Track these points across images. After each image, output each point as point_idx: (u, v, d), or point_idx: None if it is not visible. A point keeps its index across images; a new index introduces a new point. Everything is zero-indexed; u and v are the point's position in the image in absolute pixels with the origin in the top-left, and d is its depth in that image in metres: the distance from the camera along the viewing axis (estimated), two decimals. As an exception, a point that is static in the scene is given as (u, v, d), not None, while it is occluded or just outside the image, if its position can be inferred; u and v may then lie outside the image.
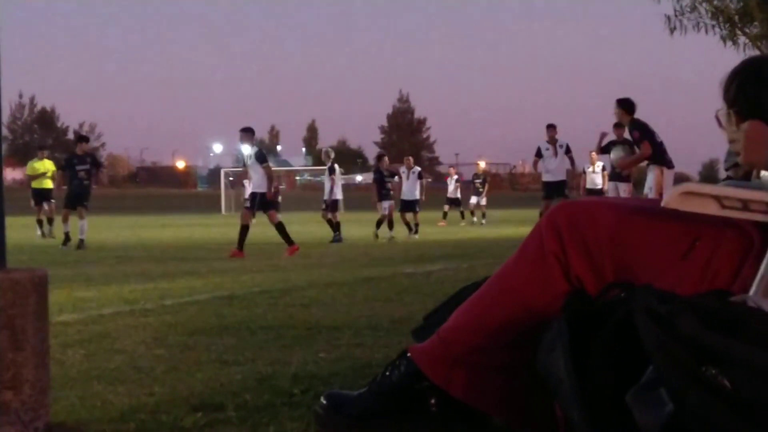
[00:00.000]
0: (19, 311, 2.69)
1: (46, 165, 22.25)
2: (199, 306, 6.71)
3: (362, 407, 2.68)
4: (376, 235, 20.15)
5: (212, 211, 47.50)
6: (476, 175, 31.47)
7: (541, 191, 18.88)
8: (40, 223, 21.98)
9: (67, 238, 17.52)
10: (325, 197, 20.59)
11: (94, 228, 24.85)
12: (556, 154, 18.25)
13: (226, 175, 60.31)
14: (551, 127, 18.52)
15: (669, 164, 13.29)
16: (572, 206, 2.48)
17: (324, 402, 2.75)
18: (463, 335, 2.53)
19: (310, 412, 2.98)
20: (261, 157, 15.72)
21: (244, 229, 14.93)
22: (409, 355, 2.63)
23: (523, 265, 2.48)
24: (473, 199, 30.38)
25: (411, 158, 23.77)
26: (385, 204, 20.86)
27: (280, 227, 15.06)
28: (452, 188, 31.68)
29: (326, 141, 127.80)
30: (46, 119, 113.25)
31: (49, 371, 2.91)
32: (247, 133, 15.93)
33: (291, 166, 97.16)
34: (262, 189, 15.55)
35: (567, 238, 2.38)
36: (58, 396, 3.38)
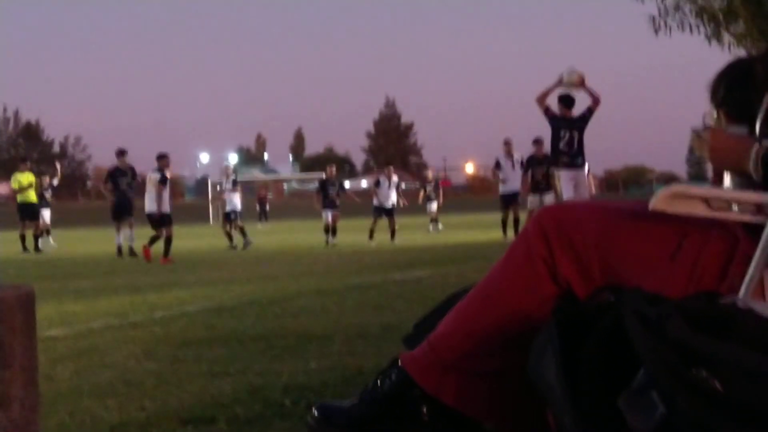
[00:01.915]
0: (5, 329, 2.67)
1: (29, 177, 22.16)
2: (188, 318, 6.69)
3: (354, 417, 2.67)
4: (327, 242, 20.87)
5: (200, 221, 47.41)
6: (428, 183, 30.80)
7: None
8: (23, 238, 21.84)
9: (119, 249, 18.46)
10: (229, 209, 22.05)
11: (82, 241, 24.83)
12: (513, 167, 20.07)
13: (214, 185, 60.17)
14: (508, 143, 20.45)
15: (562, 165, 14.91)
16: (559, 209, 2.48)
17: (316, 413, 2.74)
18: (453, 342, 2.52)
19: (302, 423, 2.97)
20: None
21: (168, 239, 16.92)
22: (399, 363, 2.62)
23: (510, 269, 2.48)
24: (429, 206, 29.67)
25: (391, 167, 24.27)
26: (328, 212, 21.65)
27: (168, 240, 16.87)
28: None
29: (313, 148, 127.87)
30: (31, 133, 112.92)
31: (38, 388, 2.89)
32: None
33: (278, 173, 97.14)
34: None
35: (554, 241, 2.38)
36: (48, 412, 3.36)
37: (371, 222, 21.99)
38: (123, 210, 18.99)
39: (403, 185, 28.24)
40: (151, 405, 3.56)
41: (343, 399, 2.85)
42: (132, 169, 19.46)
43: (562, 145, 14.72)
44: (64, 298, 8.52)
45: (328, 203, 21.86)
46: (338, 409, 2.74)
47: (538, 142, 19.04)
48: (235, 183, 22.38)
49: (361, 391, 2.75)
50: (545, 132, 15.74)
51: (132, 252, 18.32)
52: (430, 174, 31.78)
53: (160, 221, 17.44)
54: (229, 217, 22.05)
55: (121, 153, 19.24)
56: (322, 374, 4.09)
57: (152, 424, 3.21)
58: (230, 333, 5.61)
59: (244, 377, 4.08)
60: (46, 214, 24.98)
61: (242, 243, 21.04)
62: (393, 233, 21.56)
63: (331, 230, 21.21)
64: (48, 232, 24.98)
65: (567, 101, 14.77)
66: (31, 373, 2.82)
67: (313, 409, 2.77)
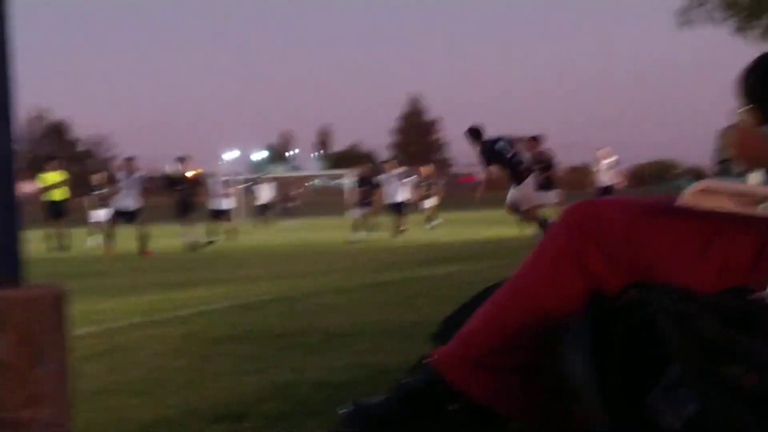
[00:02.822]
0: (37, 327, 2.69)
1: (57, 176, 22.30)
2: (214, 315, 6.72)
3: (383, 413, 2.67)
4: (353, 240, 20.81)
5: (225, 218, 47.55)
6: (421, 180, 30.11)
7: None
8: (51, 237, 21.96)
9: (194, 245, 19.15)
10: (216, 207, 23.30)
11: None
12: None
13: (240, 182, 60.30)
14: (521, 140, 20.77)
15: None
16: (588, 205, 2.47)
17: (345, 410, 2.75)
18: (482, 338, 2.52)
19: (331, 420, 2.98)
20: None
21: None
22: (428, 359, 2.62)
23: (539, 265, 2.47)
24: (425, 203, 29.14)
25: (391, 162, 24.70)
26: (361, 210, 22.22)
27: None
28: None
29: (339, 145, 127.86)
30: (57, 132, 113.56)
31: (70, 386, 2.91)
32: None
33: (304, 171, 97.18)
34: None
35: (583, 237, 2.37)
36: (78, 410, 3.37)
37: (392, 219, 22.23)
38: (185, 208, 19.92)
39: (417, 178, 28.21)
40: (180, 402, 3.58)
41: (370, 396, 2.86)
42: (184, 177, 20.26)
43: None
44: (92, 296, 8.54)
45: (363, 201, 22.16)
46: (366, 406, 2.74)
47: (534, 139, 18.91)
48: (226, 183, 24.00)
49: (389, 387, 2.76)
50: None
51: (194, 247, 18.99)
52: (422, 171, 30.95)
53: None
54: (215, 215, 23.01)
55: (180, 160, 20.00)
56: (349, 371, 4.10)
57: (181, 422, 3.22)
58: (256, 330, 5.63)
59: (271, 375, 4.10)
60: (104, 214, 25.13)
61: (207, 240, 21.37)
62: (398, 229, 21.74)
63: (371, 225, 21.44)
64: (63, 236, 25.11)
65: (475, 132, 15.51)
66: (63, 372, 2.84)
67: (342, 406, 2.78)
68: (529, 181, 15.21)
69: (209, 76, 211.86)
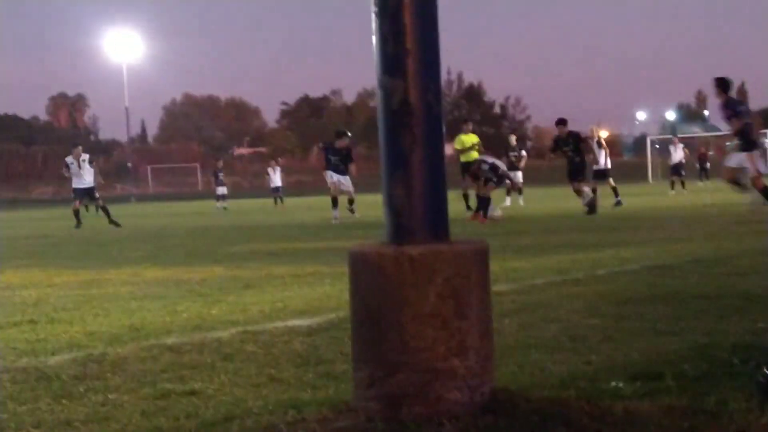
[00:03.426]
0: (462, 281, 2.84)
1: (472, 138, 22.95)
2: (629, 275, 6.71)
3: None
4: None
5: (638, 179, 47.02)
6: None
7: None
8: (465, 197, 22.63)
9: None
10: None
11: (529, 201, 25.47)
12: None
13: (652, 142, 59.31)
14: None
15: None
16: None
17: (764, 374, 2.69)
18: None
19: (752, 382, 2.91)
20: None
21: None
22: None
23: None
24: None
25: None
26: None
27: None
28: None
29: (758, 103, 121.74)
30: (473, 94, 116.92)
31: (493, 339, 3.05)
32: None
33: (720, 131, 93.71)
34: None
35: None
36: (498, 363, 3.53)
37: None
38: (574, 172, 19.50)
39: None
40: (597, 359, 3.63)
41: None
42: (577, 136, 19.89)
43: None
44: (507, 255, 8.74)
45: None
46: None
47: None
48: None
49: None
50: None
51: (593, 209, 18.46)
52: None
53: None
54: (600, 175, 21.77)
55: (560, 122, 19.76)
56: (769, 335, 3.98)
57: (599, 378, 3.27)
58: (672, 291, 5.57)
59: (689, 335, 4.06)
60: (517, 176, 25.29)
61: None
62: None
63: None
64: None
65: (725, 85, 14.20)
66: (486, 325, 2.98)
67: (765, 368, 2.71)
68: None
69: (618, 33, 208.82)
